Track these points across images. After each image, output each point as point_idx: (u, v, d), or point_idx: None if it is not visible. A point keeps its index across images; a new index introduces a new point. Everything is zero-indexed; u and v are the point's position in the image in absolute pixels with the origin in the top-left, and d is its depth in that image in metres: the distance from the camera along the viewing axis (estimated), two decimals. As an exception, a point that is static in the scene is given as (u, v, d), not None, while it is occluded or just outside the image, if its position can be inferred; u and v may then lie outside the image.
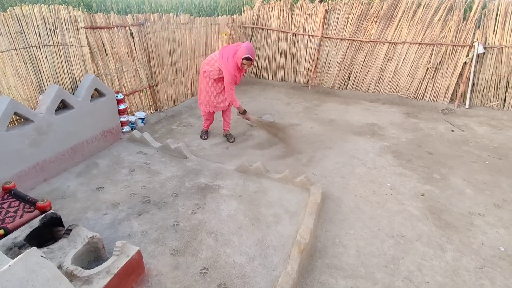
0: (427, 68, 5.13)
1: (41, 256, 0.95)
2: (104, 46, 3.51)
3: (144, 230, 2.14)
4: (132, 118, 3.71)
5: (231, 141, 3.62)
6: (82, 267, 1.57)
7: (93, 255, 1.79)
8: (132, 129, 3.66)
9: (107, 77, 3.59)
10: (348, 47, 5.48)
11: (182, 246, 2.02)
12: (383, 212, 2.48)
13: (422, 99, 5.28)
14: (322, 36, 5.54)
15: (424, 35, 5.04)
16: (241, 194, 2.59)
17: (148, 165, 2.97)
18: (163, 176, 2.81)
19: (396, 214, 2.47)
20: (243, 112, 3.41)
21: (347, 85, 5.76)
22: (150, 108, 4.29)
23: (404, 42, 5.15)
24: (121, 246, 1.65)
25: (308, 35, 5.67)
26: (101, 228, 2.13)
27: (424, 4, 5.00)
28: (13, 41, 2.58)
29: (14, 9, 2.65)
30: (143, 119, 3.89)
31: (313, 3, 5.72)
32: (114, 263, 1.61)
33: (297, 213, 2.39)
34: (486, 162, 3.35)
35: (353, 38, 5.38)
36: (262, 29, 5.96)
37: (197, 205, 2.43)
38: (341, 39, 5.47)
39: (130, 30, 3.82)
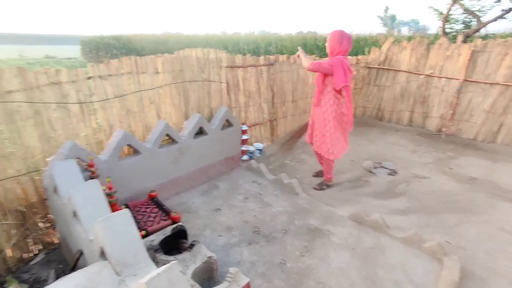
0: None
1: (180, 271, 1.03)
2: (238, 82, 3.97)
3: (252, 261, 2.15)
4: (251, 148, 3.99)
5: (321, 188, 3.34)
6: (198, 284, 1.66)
7: (207, 275, 1.88)
8: (250, 159, 3.92)
9: (236, 109, 4.01)
10: (500, 94, 4.56)
11: (287, 289, 1.92)
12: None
13: None
14: (464, 80, 4.81)
15: None
16: (354, 247, 2.33)
17: (261, 196, 3.06)
18: (274, 209, 2.83)
19: None
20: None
21: (496, 138, 4.72)
22: (267, 140, 4.54)
23: None
24: (234, 273, 1.68)
25: (446, 77, 5.02)
26: (215, 249, 2.26)
27: None
28: (174, 76, 3.20)
29: (179, 52, 3.33)
30: (260, 150, 4.12)
31: (454, 43, 5.10)
32: (226, 290, 1.64)
33: (424, 286, 1.97)
34: None
35: (508, 83, 4.46)
36: (389, 70, 5.64)
37: (305, 248, 2.31)
38: (492, 84, 4.60)
39: (261, 69, 4.24)
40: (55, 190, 1.97)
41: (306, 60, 3.00)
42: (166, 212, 2.34)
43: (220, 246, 2.31)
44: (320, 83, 3.03)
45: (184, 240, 2.11)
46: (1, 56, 22.33)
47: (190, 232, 2.44)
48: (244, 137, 3.81)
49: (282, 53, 11.31)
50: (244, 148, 3.83)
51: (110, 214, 1.29)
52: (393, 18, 36.46)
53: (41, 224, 2.36)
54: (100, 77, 2.62)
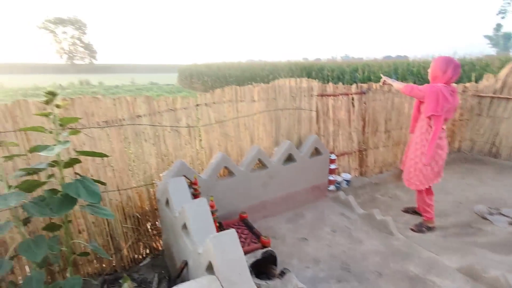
0: None
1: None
2: (328, 110, 3.95)
3: (342, 302, 2.02)
4: (338, 179, 3.85)
5: (419, 230, 2.98)
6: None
7: (296, 307, 1.84)
8: (337, 189, 3.78)
9: (324, 137, 3.96)
10: None
11: None
12: None
13: None
14: None
15: None
16: (469, 307, 1.97)
17: (350, 230, 2.89)
18: (365, 247, 2.62)
19: None
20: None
21: None
22: (355, 171, 4.33)
23: None
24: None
25: None
26: (303, 280, 2.19)
27: None
28: (268, 104, 3.37)
29: (273, 82, 3.52)
30: (348, 181, 3.95)
31: None
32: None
33: None
34: None
35: None
36: (509, 99, 4.83)
37: (404, 297, 2.05)
38: None
39: (352, 97, 4.14)
40: (167, 202, 2.24)
41: (396, 83, 3.04)
42: (256, 235, 2.41)
43: (308, 278, 2.24)
44: (416, 109, 3.00)
45: (274, 266, 2.12)
46: (118, 83, 27.35)
47: (278, 259, 2.44)
48: (332, 166, 3.71)
49: (369, 80, 10.90)
50: (331, 177, 3.72)
51: (221, 233, 1.40)
52: (507, 36, 31.38)
53: (150, 231, 2.71)
54: (206, 104, 2.95)
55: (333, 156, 3.74)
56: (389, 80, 3.21)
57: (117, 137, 2.49)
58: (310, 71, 14.47)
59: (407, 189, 3.79)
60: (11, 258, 1.66)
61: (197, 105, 2.91)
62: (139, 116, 2.60)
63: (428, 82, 2.93)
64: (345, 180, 3.93)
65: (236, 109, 3.14)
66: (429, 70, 2.87)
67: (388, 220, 2.86)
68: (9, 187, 1.59)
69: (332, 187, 3.77)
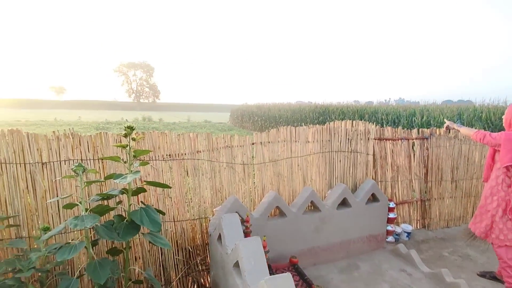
0: None
1: None
2: (385, 155, 3.76)
3: None
4: (397, 229, 3.52)
5: None
6: None
7: None
8: (396, 241, 3.45)
9: (382, 183, 3.73)
10: None
11: None
12: None
13: None
14: None
15: None
16: None
17: (413, 291, 2.56)
18: (433, 314, 2.28)
19: None
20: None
21: None
22: (417, 223, 3.93)
23: None
24: None
25: None
26: None
27: None
28: (322, 146, 3.33)
29: (329, 123, 3.51)
30: (408, 233, 3.58)
31: None
32: None
33: None
34: None
35: None
36: None
37: None
38: None
39: (413, 142, 3.91)
40: (219, 238, 2.25)
41: (465, 129, 2.86)
42: (308, 283, 2.27)
43: None
44: (490, 158, 2.78)
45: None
46: (176, 120, 29.66)
47: (330, 314, 2.23)
48: (391, 215, 3.43)
49: (429, 125, 10.24)
50: (390, 228, 3.42)
51: (276, 276, 1.34)
52: None
53: (199, 266, 2.70)
54: (261, 143, 3.03)
55: (392, 204, 3.48)
56: (454, 125, 3.01)
57: (178, 170, 2.65)
58: (362, 114, 14.15)
59: (482, 249, 3.31)
60: (77, 277, 1.78)
61: (253, 143, 3.00)
62: (199, 151, 2.75)
63: (502, 129, 2.70)
64: (406, 231, 3.57)
65: (290, 149, 3.16)
66: (504, 117, 2.69)
67: (461, 284, 2.47)
68: (86, 210, 1.75)
69: (390, 238, 3.45)
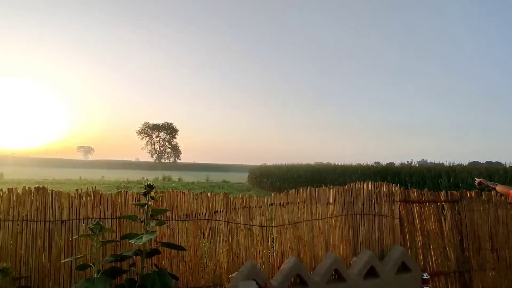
0: None
1: None
2: (413, 219, 3.52)
3: None
4: (436, 306, 3.09)
5: None
6: None
7: None
8: (435, 321, 3.00)
9: (412, 251, 3.41)
10: None
11: None
12: None
13: None
14: None
15: None
16: None
17: None
18: None
19: None
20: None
21: None
22: (458, 299, 3.46)
23: None
24: None
25: None
26: None
27: None
28: (344, 208, 3.19)
29: (350, 184, 3.41)
30: (449, 312, 3.12)
31: None
32: None
33: None
34: None
35: None
36: None
37: None
38: None
39: (442, 205, 3.67)
40: (235, 310, 2.05)
41: (502, 187, 2.68)
42: None
43: None
44: None
45: None
46: (194, 179, 29.99)
47: None
48: (426, 288, 3.05)
49: (457, 187, 9.71)
50: (426, 303, 3.01)
51: None
52: None
53: None
54: (279, 204, 2.94)
55: (425, 275, 3.12)
56: (488, 182, 2.81)
57: (194, 231, 2.57)
58: (384, 175, 13.75)
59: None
60: None
61: (271, 204, 2.92)
62: (216, 211, 2.70)
63: None
64: (446, 310, 3.12)
65: (310, 211, 3.04)
66: None
67: None
68: (98, 271, 1.69)
69: (429, 317, 3.01)
